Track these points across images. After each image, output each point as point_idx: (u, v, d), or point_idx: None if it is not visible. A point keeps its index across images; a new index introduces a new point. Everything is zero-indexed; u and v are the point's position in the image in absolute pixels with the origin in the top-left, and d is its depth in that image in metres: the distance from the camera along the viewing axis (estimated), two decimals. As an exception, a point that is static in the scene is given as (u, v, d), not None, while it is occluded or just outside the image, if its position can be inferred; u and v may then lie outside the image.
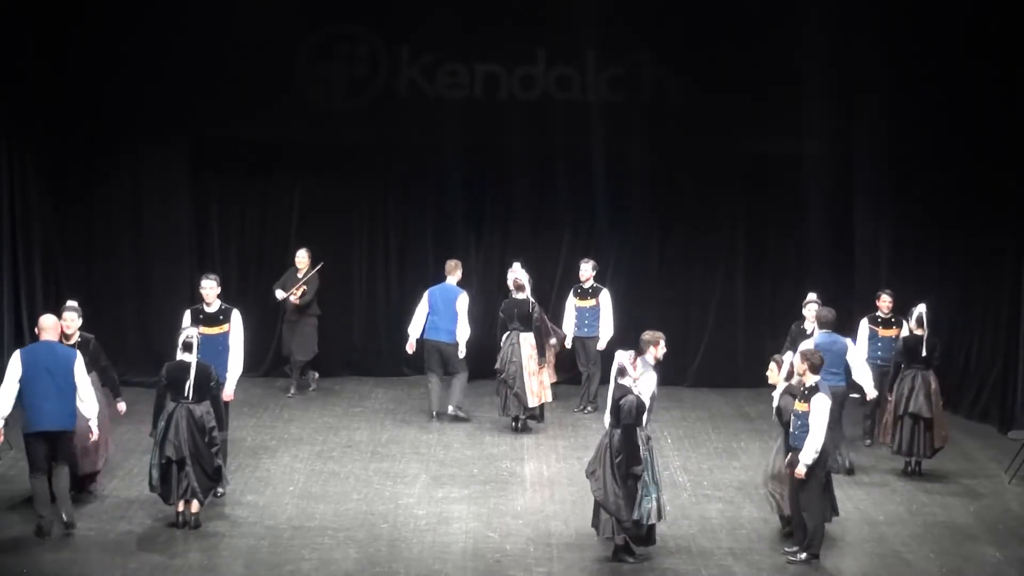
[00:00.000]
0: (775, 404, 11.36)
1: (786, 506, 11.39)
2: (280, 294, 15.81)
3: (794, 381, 11.29)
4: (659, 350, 11.20)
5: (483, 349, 15.94)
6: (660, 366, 11.32)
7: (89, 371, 11.62)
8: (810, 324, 13.90)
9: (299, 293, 15.75)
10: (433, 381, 15.33)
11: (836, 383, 13.25)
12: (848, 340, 13.58)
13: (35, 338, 15.07)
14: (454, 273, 15.37)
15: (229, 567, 10.76)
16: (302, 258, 15.93)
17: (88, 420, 11.29)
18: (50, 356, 11.26)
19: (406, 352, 15.61)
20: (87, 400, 11.27)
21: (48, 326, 11.40)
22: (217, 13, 15.81)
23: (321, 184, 17.01)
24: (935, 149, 15.88)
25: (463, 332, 15.15)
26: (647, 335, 11.24)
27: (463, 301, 15.19)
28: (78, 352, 11.48)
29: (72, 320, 11.87)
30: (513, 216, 17.24)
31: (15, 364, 11.21)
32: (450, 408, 15.14)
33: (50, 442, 11.21)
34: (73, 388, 11.20)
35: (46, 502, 11.23)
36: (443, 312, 15.18)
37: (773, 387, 11.46)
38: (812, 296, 14.38)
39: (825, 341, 13.23)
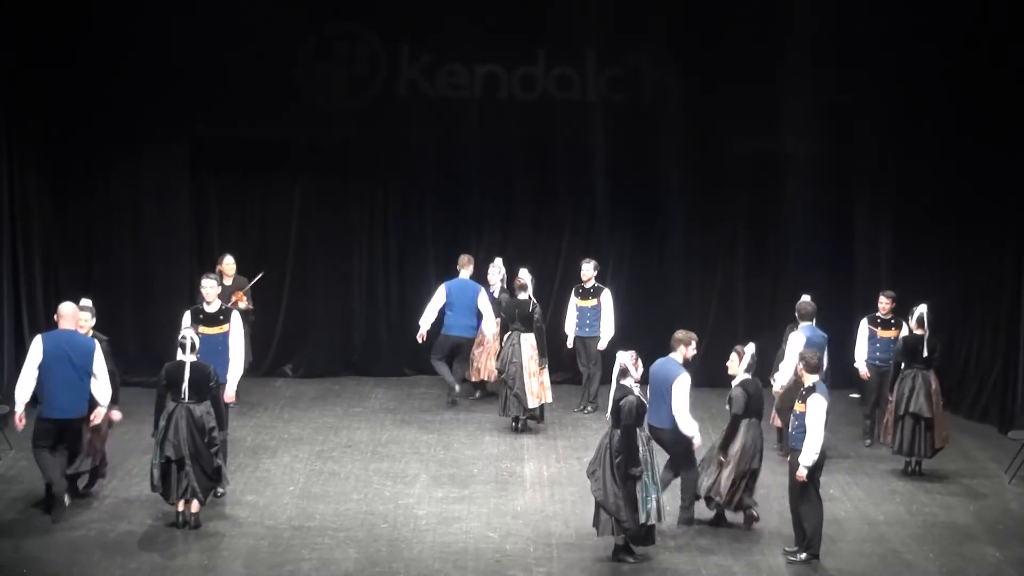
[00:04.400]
0: (731, 394, 11.48)
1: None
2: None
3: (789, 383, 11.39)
4: (690, 350, 11.36)
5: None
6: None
7: None
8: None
9: (243, 301, 15.02)
10: (438, 364, 15.52)
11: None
12: (824, 334, 13.79)
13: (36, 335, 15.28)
14: (467, 267, 15.51)
15: (229, 567, 10.77)
16: (229, 264, 15.30)
17: (99, 405, 11.43)
18: (71, 345, 11.40)
19: (416, 343, 15.66)
20: (101, 385, 11.41)
21: (67, 314, 11.53)
22: (217, 13, 15.80)
23: (321, 184, 17.00)
24: (935, 149, 15.89)
25: (491, 327, 15.35)
26: (680, 334, 11.39)
27: (484, 298, 15.35)
28: (97, 341, 11.60)
29: (86, 320, 11.90)
30: (513, 216, 17.24)
31: (36, 350, 11.36)
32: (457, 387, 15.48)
33: (61, 428, 11.41)
34: (89, 377, 11.37)
35: (53, 467, 11.38)
36: (460, 308, 15.34)
37: (733, 377, 11.54)
38: (806, 298, 14.36)
39: (810, 335, 13.48)
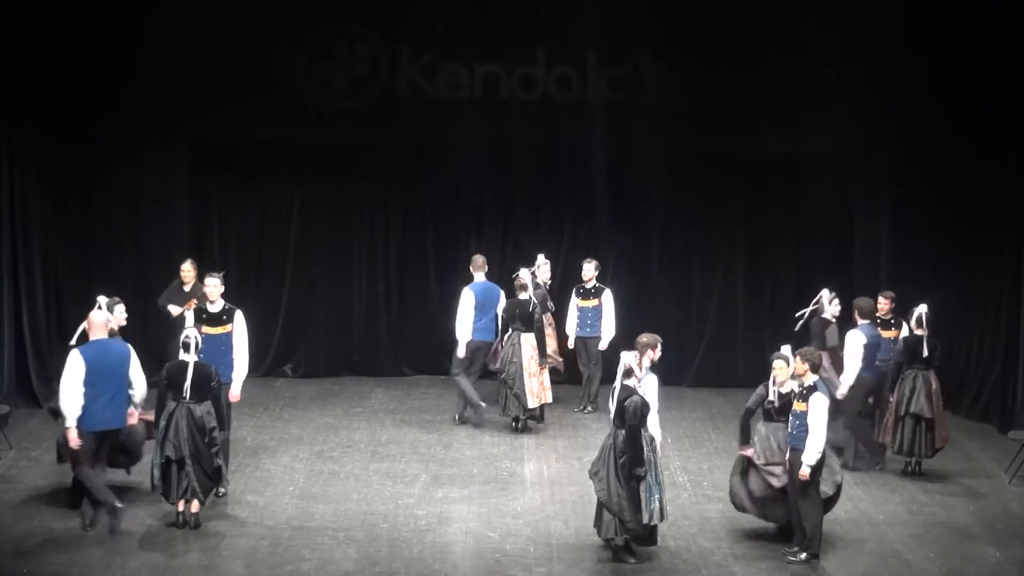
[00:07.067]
0: (784, 400, 11.35)
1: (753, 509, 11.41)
2: (175, 309, 14.58)
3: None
4: (656, 353, 11.19)
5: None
6: (659, 367, 11.32)
7: None
8: (830, 316, 14.05)
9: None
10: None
11: (870, 373, 13.47)
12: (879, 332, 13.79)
13: (36, 339, 15.26)
14: (480, 269, 15.16)
15: (229, 567, 10.77)
16: (187, 270, 14.76)
17: (135, 406, 11.43)
18: (105, 356, 11.27)
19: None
20: (137, 388, 11.41)
21: (99, 322, 11.40)
22: (217, 14, 15.79)
23: (321, 184, 17.01)
24: (936, 149, 15.89)
25: (459, 329, 14.94)
26: (644, 338, 11.22)
27: (464, 296, 14.97)
28: (130, 348, 11.55)
29: (120, 312, 12.05)
30: (513, 216, 17.24)
31: (78, 365, 11.10)
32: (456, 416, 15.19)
33: (101, 439, 11.33)
34: (127, 385, 11.32)
35: (102, 485, 11.28)
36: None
37: (781, 385, 11.43)
38: (827, 293, 14.32)
39: (872, 332, 13.52)
